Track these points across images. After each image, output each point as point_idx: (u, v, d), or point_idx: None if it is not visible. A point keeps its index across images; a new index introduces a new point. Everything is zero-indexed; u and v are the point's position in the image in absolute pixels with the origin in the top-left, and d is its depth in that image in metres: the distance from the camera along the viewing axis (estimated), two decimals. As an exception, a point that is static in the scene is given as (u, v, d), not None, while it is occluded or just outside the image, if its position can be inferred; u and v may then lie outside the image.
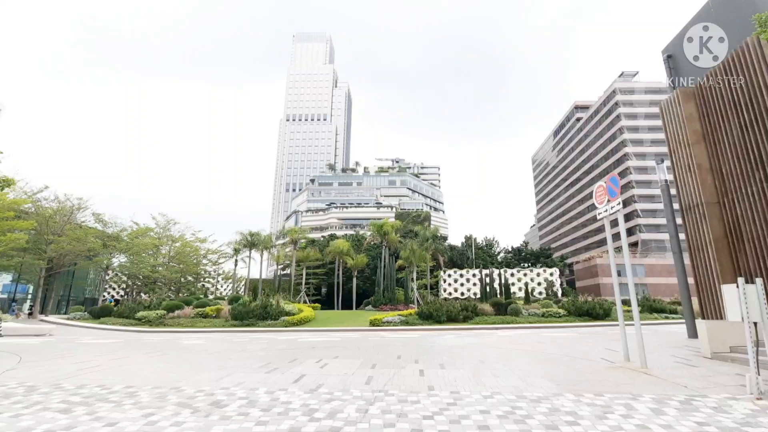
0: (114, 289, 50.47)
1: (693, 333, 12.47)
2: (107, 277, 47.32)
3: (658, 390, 5.59)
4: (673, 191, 13.80)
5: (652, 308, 27.43)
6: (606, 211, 8.18)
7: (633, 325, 7.63)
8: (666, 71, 15.32)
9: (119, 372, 6.89)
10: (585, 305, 24.27)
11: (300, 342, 12.70)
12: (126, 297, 47.27)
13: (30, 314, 34.21)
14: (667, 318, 25.85)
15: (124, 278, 47.84)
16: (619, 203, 7.71)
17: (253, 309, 23.82)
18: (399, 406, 4.71)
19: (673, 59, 15.09)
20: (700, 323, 9.06)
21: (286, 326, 22.33)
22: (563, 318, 23.59)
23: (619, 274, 69.45)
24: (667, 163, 13.91)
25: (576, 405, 4.79)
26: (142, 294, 46.91)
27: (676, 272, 12.81)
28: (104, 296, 48.79)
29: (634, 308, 7.64)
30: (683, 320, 25.51)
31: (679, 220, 12.95)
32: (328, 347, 10.84)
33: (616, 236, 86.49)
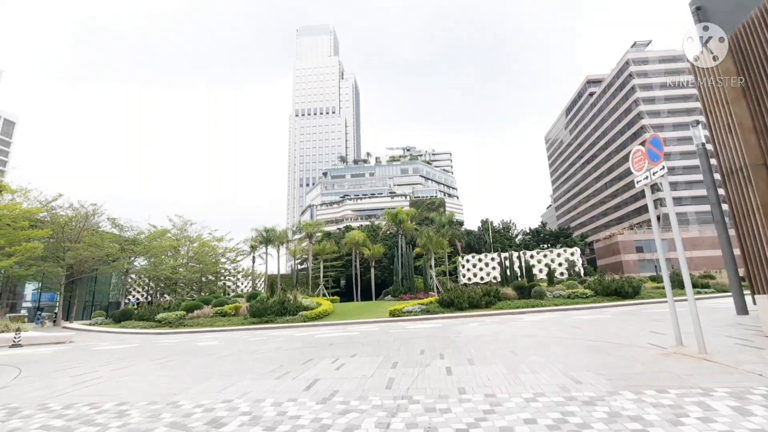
0: (139, 292, 50.98)
1: (742, 309, 11.44)
2: (130, 281, 47.86)
3: (731, 381, 4.72)
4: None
5: (682, 284, 26.04)
6: (646, 177, 7.23)
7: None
8: (695, 24, 14.05)
9: (117, 385, 6.32)
10: (613, 284, 23.17)
11: (317, 338, 12.09)
12: (150, 299, 47.70)
13: (54, 322, 34.69)
14: (699, 293, 24.58)
15: (146, 281, 48.32)
16: (663, 168, 6.76)
17: (271, 305, 23.42)
18: (426, 417, 3.97)
19: (702, 11, 13.77)
20: (761, 299, 8.06)
21: (304, 321, 21.87)
22: (590, 299, 22.57)
23: (641, 250, 67.38)
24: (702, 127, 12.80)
25: (639, 406, 3.97)
26: (166, 295, 47.38)
27: (720, 244, 11.72)
28: (128, 300, 49.39)
29: (687, 284, 6.72)
30: (717, 295, 24.33)
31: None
32: (346, 344, 10.19)
33: (640, 211, 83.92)
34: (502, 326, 12.50)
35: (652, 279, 29.71)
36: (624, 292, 22.53)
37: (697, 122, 11.50)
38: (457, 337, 10.23)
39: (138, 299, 51.46)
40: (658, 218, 79.69)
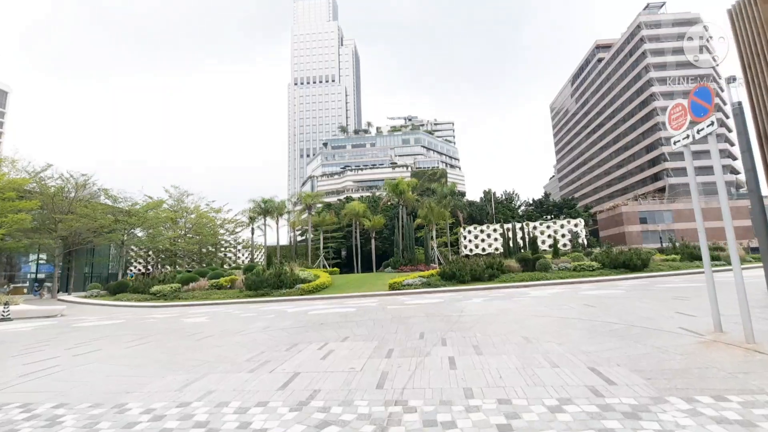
0: (140, 263, 50.55)
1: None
2: (132, 253, 47.38)
3: (801, 382, 3.83)
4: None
5: (692, 255, 25.23)
6: (687, 137, 6.14)
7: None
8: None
9: (69, 377, 5.49)
10: (621, 256, 22.32)
11: (309, 316, 11.30)
12: (151, 271, 47.25)
13: (52, 294, 34.32)
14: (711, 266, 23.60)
15: (144, 253, 47.83)
16: (711, 123, 5.66)
17: (267, 278, 22.74)
18: (425, 435, 3.10)
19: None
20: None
21: (301, 294, 21.22)
22: (597, 271, 21.77)
23: (645, 221, 66.36)
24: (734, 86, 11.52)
25: (698, 423, 3.07)
26: (167, 267, 47.05)
27: (752, 213, 10.65)
28: (129, 271, 49.06)
29: (734, 258, 5.71)
30: (728, 268, 23.38)
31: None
32: (339, 323, 9.37)
33: (645, 181, 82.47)
34: (508, 303, 11.67)
35: (660, 251, 28.83)
36: (633, 264, 21.70)
37: (734, 78, 10.22)
38: (461, 315, 9.39)
39: (140, 270, 51.05)
40: (664, 189, 78.51)
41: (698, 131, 5.88)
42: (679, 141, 6.34)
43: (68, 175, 32.18)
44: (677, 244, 28.36)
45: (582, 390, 3.90)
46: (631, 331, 6.43)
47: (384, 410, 3.65)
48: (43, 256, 40.94)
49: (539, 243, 45.65)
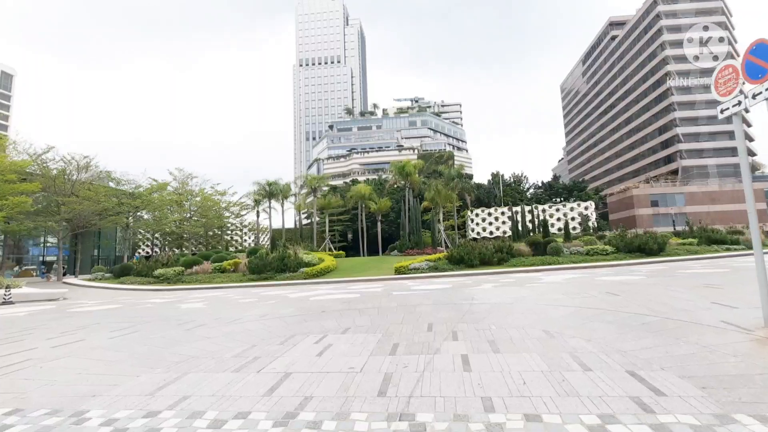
0: (149, 246, 50.48)
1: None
2: (139, 236, 47.30)
3: None
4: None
5: (710, 239, 24.29)
6: (739, 103, 5.29)
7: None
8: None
9: (36, 374, 4.93)
10: (636, 240, 21.49)
11: (311, 303, 10.72)
12: (159, 253, 47.10)
13: (58, 277, 34.31)
14: (728, 250, 22.79)
15: (150, 236, 47.71)
16: (773, 85, 4.81)
17: (271, 262, 22.24)
18: (437, 468, 2.45)
19: None
20: None
21: (305, 278, 20.72)
22: (611, 255, 20.99)
23: (656, 204, 64.94)
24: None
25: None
26: (175, 249, 46.97)
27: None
28: (138, 254, 49.06)
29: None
30: (748, 252, 22.44)
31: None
32: (341, 311, 8.77)
33: (657, 164, 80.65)
34: (522, 290, 10.98)
35: (676, 234, 27.89)
36: (648, 248, 20.88)
37: None
38: (472, 304, 8.73)
39: (149, 253, 51.01)
40: (676, 171, 76.60)
41: (754, 96, 5.03)
42: (727, 108, 5.50)
43: (70, 157, 31.69)
44: (694, 228, 27.32)
45: (626, 403, 3.22)
46: (667, 325, 5.72)
47: (386, 426, 3.01)
48: (54, 239, 41.02)
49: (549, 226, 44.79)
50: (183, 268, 24.87)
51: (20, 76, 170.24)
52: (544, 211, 45.57)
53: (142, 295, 18.05)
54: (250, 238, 53.94)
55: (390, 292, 12.01)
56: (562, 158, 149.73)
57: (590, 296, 8.68)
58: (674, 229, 49.74)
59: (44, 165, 31.03)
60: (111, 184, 36.70)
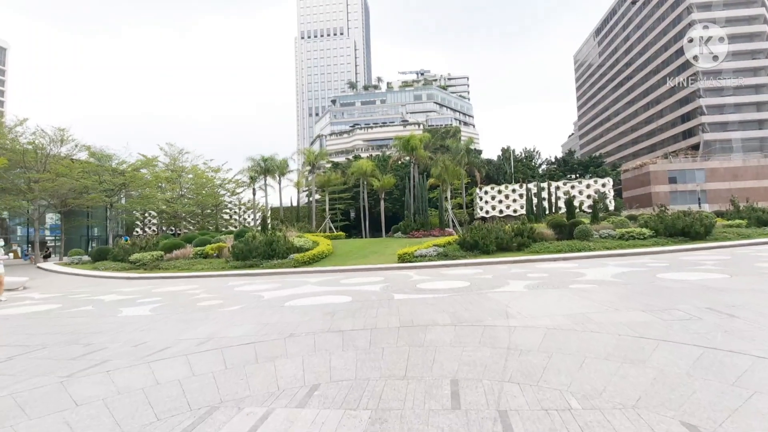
0: (148, 226, 48.00)
1: None
2: (134, 215, 44.87)
3: None
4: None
5: (760, 221, 21.23)
6: None
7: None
8: None
9: None
10: (678, 222, 18.48)
11: (283, 312, 7.95)
12: (156, 233, 44.63)
13: (44, 258, 32.07)
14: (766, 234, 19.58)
15: (140, 215, 45.27)
16: None
17: (257, 247, 19.55)
18: None
19: None
20: None
21: (295, 266, 18.04)
22: (650, 240, 18.05)
23: (675, 181, 61.10)
24: None
25: None
26: (172, 229, 44.64)
27: None
28: (135, 233, 46.65)
29: None
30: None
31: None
32: (317, 334, 5.99)
33: (676, 138, 76.50)
34: (569, 295, 8.10)
35: (719, 215, 24.80)
36: (694, 232, 17.88)
37: None
38: (510, 327, 5.86)
39: (137, 233, 48.63)
40: (696, 146, 72.56)
41: None
42: None
43: (40, 130, 28.79)
44: (741, 207, 24.12)
45: None
46: None
47: None
48: (50, 219, 38.78)
49: (561, 204, 41.62)
50: (162, 253, 22.33)
51: (14, 49, 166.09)
52: (558, 188, 42.32)
53: (108, 286, 15.45)
54: (249, 217, 51.31)
55: (391, 296, 9.22)
56: (573, 133, 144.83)
57: (691, 317, 5.75)
58: (699, 206, 46.48)
59: (14, 139, 28.20)
60: (92, 160, 33.88)
